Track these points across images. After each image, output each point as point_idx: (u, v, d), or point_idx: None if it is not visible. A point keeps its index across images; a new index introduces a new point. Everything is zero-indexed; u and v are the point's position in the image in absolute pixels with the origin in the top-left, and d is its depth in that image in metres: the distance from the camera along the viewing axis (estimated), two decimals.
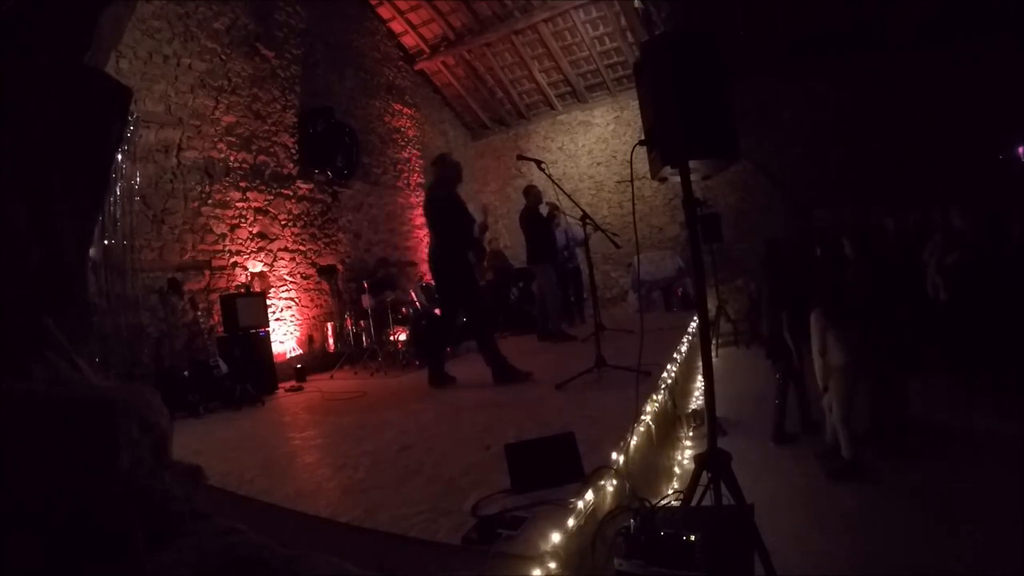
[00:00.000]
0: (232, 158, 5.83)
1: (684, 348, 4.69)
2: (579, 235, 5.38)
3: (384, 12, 8.74)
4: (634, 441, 2.34)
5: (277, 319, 6.09)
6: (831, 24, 7.53)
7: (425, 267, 8.94)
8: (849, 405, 3.16)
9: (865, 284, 3.69)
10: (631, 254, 8.36)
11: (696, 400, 4.21)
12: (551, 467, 1.85)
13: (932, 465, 3.00)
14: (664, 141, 1.73)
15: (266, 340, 5.35)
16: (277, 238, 6.30)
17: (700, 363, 1.91)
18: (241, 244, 5.83)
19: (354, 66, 8.03)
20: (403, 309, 6.31)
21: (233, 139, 5.86)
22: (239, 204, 5.85)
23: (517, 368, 3.93)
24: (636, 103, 2.26)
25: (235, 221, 5.79)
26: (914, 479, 2.87)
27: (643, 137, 1.84)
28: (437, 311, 6.91)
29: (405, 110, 9.14)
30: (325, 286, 6.82)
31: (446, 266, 4.11)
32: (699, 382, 4.59)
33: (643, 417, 2.61)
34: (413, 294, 6.78)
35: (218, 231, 5.58)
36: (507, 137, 10.75)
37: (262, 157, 6.20)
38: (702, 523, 1.39)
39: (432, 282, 7.60)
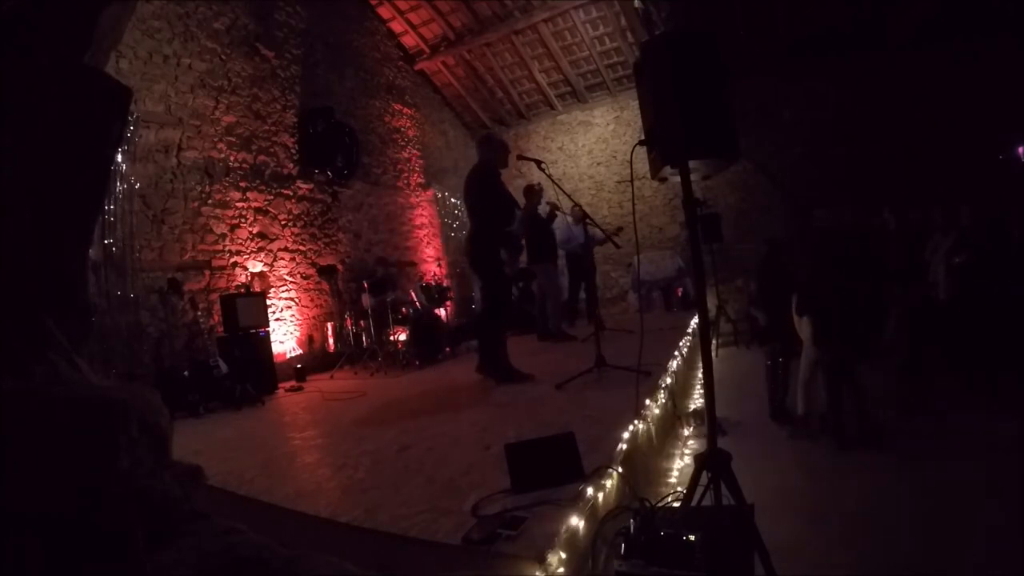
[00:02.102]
0: (232, 158, 5.83)
1: (684, 348, 4.70)
2: (597, 235, 5.33)
3: (384, 12, 8.73)
4: (634, 441, 2.34)
5: (277, 319, 6.09)
6: (831, 24, 7.52)
7: (425, 267, 8.94)
8: (809, 376, 3.72)
9: (859, 280, 3.79)
10: (631, 254, 8.36)
11: (696, 400, 4.22)
12: (551, 467, 1.85)
13: (932, 465, 3.00)
14: (664, 141, 1.73)
15: (266, 340, 5.34)
16: (277, 238, 6.30)
17: (700, 363, 1.91)
18: (241, 244, 5.83)
19: (354, 66, 8.02)
20: (403, 309, 6.31)
21: (233, 139, 5.85)
22: (239, 204, 5.85)
23: (519, 370, 3.92)
24: (636, 103, 2.26)
25: (235, 221, 5.79)
26: (914, 479, 2.87)
27: (643, 137, 1.84)
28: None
29: (405, 110, 9.14)
30: (325, 286, 6.82)
31: (474, 249, 3.99)
32: (699, 382, 4.59)
33: (643, 417, 2.61)
34: (413, 294, 6.79)
35: (218, 231, 5.58)
36: (507, 137, 10.74)
37: (262, 157, 6.20)
38: (702, 523, 1.39)
39: (431, 282, 7.67)
